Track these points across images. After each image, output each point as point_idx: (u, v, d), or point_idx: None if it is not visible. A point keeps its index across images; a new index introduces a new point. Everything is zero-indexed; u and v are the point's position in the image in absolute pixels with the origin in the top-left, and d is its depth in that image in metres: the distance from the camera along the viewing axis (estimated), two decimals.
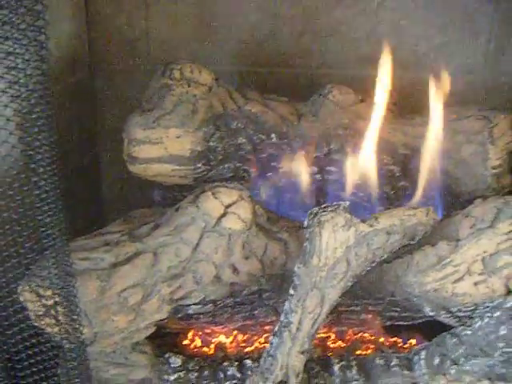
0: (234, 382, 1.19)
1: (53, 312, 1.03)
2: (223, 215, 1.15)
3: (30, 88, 0.86)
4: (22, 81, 0.84)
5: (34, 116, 0.87)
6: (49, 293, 1.01)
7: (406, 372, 1.19)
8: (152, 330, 1.15)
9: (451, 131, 1.43)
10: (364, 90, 1.47)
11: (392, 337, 1.33)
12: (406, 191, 1.42)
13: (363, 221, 1.10)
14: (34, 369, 1.04)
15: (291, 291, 1.09)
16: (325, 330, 1.29)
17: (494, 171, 1.42)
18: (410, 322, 1.29)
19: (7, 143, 0.91)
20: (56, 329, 1.03)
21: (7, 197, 0.92)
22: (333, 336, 1.31)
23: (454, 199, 1.42)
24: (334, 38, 1.71)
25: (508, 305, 1.13)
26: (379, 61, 1.38)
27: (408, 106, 1.49)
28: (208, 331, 1.30)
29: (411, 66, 1.66)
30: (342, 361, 1.23)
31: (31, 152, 0.89)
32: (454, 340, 1.19)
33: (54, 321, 1.03)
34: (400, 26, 1.70)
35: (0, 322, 1.01)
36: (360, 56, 1.72)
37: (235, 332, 1.30)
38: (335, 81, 1.55)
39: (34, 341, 1.04)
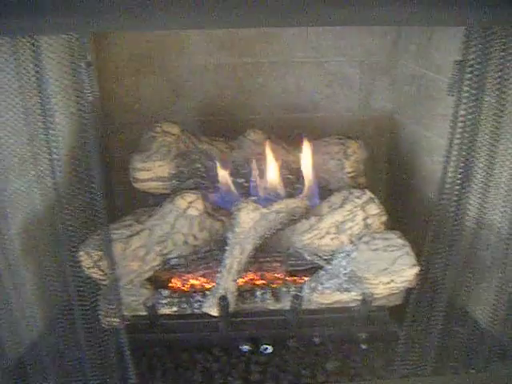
0: (199, 302, 1.72)
1: (98, 265, 1.59)
2: (187, 207, 1.75)
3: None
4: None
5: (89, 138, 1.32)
6: (96, 254, 1.58)
7: (298, 293, 1.72)
8: (151, 273, 1.74)
9: (322, 152, 2.00)
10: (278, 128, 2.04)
11: (293, 277, 1.84)
12: (299, 190, 1.95)
13: (264, 206, 1.72)
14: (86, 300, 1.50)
15: (226, 247, 1.71)
16: (253, 275, 1.83)
17: (348, 175, 1.99)
18: (303, 267, 1.84)
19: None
20: (99, 274, 1.60)
21: (72, 198, 1.40)
22: (257, 277, 1.84)
23: (327, 193, 1.91)
24: (258, 96, 2.22)
25: (347, 249, 1.75)
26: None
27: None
28: (184, 278, 1.83)
29: (309, 110, 2.20)
30: (261, 290, 1.78)
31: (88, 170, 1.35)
32: (323, 272, 1.76)
33: (98, 270, 1.60)
34: (302, 85, 2.21)
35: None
36: (274, 107, 2.22)
37: (200, 277, 1.83)
38: (259, 123, 2.09)
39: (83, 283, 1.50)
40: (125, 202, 2.06)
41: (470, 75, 1.31)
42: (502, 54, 1.30)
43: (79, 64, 1.29)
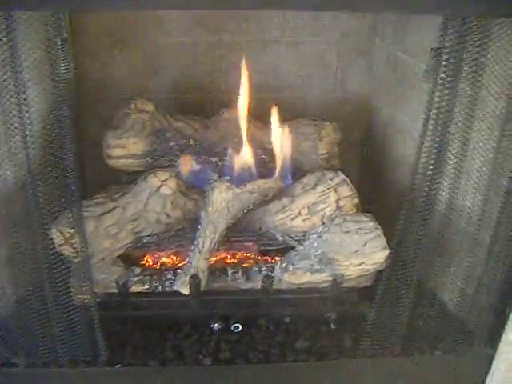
0: (171, 280, 1.76)
1: (70, 242, 1.59)
2: (160, 186, 1.75)
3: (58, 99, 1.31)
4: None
5: (63, 115, 1.34)
6: (68, 231, 1.58)
7: (269, 273, 1.78)
8: (123, 250, 1.75)
9: (296, 133, 1.98)
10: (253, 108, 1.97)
11: (265, 256, 1.90)
12: (272, 170, 1.92)
13: (237, 186, 1.73)
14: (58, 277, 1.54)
15: (198, 226, 1.73)
16: (224, 254, 1.87)
17: (322, 157, 2.00)
18: (275, 247, 1.89)
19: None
20: (71, 251, 1.60)
21: (44, 175, 1.42)
22: (229, 256, 1.88)
23: (301, 174, 1.92)
24: (233, 75, 2.08)
25: (319, 230, 1.77)
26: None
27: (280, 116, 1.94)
28: (156, 256, 1.87)
29: (283, 90, 2.21)
30: (233, 269, 1.82)
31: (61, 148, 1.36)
32: (294, 253, 1.79)
33: (70, 247, 1.60)
34: (278, 65, 2.21)
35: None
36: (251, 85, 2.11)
37: (172, 256, 1.87)
38: (233, 102, 2.00)
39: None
40: (96, 179, 2.01)
41: (445, 62, 1.33)
42: (478, 42, 1.32)
43: (54, 40, 1.29)
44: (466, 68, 1.35)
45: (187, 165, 1.92)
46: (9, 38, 1.28)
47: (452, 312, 1.74)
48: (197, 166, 1.92)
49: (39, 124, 1.53)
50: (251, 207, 1.80)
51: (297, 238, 1.84)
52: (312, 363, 1.74)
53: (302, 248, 1.80)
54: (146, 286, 1.79)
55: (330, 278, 1.74)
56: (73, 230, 1.56)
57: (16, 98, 1.35)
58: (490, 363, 1.74)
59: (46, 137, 1.47)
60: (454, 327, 1.72)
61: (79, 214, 1.52)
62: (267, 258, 1.90)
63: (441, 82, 1.34)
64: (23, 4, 1.22)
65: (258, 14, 2.13)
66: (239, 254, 1.90)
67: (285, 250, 1.87)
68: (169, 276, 1.81)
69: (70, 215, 1.53)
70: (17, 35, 1.28)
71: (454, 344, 1.73)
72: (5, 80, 1.34)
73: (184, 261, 1.82)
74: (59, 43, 1.29)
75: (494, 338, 1.71)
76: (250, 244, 1.89)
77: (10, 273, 1.66)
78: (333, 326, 1.84)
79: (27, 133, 1.38)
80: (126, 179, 1.98)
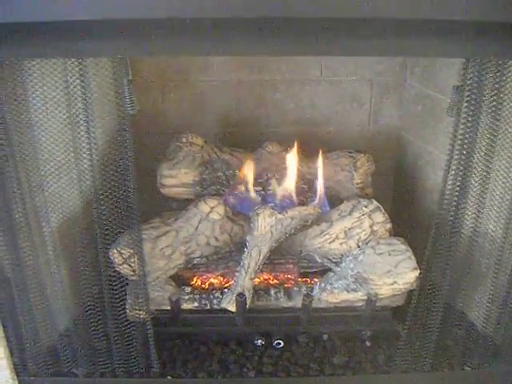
0: (218, 299, 1.84)
1: (128, 262, 1.68)
2: (210, 212, 1.88)
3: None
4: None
5: (126, 147, 1.44)
6: (128, 251, 1.67)
7: (309, 292, 1.84)
8: (175, 270, 1.85)
9: (333, 164, 2.11)
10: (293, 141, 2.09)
11: (305, 278, 1.97)
12: (311, 198, 2.05)
13: (280, 213, 1.83)
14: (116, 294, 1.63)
15: (245, 249, 1.83)
16: (268, 275, 1.94)
17: (357, 186, 2.10)
18: (314, 270, 1.97)
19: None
20: (129, 270, 1.70)
21: (107, 200, 1.51)
22: (272, 277, 1.95)
23: (338, 202, 2.01)
24: (275, 110, 2.31)
25: (354, 252, 1.87)
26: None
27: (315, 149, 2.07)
28: (204, 277, 1.94)
29: (321, 125, 2.30)
30: (275, 289, 1.90)
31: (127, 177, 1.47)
32: (332, 274, 1.88)
33: (128, 266, 1.69)
34: (316, 102, 2.32)
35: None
36: (289, 121, 2.33)
37: (219, 276, 1.94)
38: (275, 136, 2.19)
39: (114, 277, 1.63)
40: (148, 206, 2.03)
41: (467, 99, 1.43)
42: (497, 80, 1.43)
43: (121, 81, 1.42)
44: (486, 103, 1.46)
45: (234, 193, 2.03)
46: (81, 79, 1.43)
47: (480, 330, 1.79)
48: (243, 194, 2.04)
49: (99, 154, 1.63)
50: (292, 232, 1.90)
51: (334, 260, 1.92)
52: (348, 377, 1.80)
53: (339, 269, 1.89)
54: (196, 304, 1.86)
55: (365, 297, 1.82)
56: (132, 251, 1.66)
57: (86, 132, 1.48)
58: None
59: (105, 166, 1.56)
60: (482, 344, 1.78)
61: (139, 235, 1.62)
62: (307, 278, 1.98)
63: (464, 116, 1.45)
64: (94, 52, 1.36)
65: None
66: (281, 274, 1.96)
67: (323, 272, 1.95)
68: (216, 295, 1.88)
69: (128, 237, 1.65)
70: (88, 78, 1.43)
71: (482, 360, 1.79)
72: (77, 115, 1.48)
73: (230, 281, 1.90)
74: (125, 83, 1.43)
75: None
76: (292, 266, 1.96)
77: (72, 289, 1.76)
78: (368, 343, 1.92)
79: (94, 162, 1.51)
80: (177, 206, 2.07)
